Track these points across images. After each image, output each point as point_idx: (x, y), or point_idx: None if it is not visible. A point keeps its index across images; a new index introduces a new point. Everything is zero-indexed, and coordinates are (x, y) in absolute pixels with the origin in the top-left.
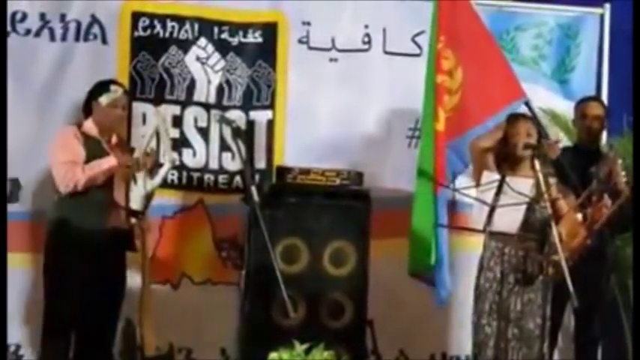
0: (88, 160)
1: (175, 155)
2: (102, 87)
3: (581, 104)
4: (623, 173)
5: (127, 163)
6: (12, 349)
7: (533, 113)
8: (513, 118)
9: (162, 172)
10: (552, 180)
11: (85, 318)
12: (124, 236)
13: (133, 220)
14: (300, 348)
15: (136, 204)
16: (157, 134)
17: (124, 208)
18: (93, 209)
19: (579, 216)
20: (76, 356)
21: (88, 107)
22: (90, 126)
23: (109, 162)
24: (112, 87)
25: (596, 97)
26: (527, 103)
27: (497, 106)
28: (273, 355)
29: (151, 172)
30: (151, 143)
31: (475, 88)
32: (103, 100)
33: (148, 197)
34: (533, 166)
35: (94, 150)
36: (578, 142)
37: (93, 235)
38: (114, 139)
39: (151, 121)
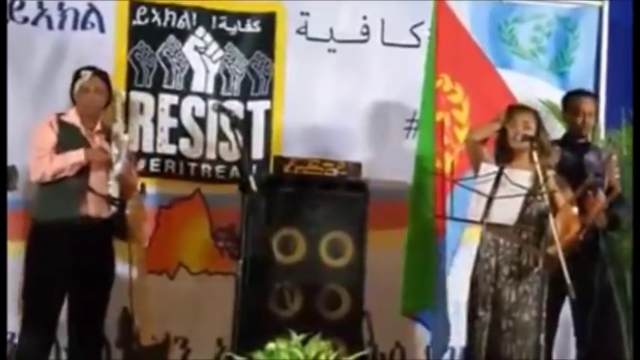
0: (62, 148)
1: (126, 137)
2: (76, 75)
3: (574, 98)
4: (617, 169)
5: (95, 158)
6: (7, 337)
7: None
8: (511, 110)
9: (122, 157)
10: (550, 172)
11: (69, 309)
12: (106, 224)
13: (113, 208)
14: (296, 339)
15: (111, 190)
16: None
17: (101, 196)
18: (66, 197)
19: (575, 210)
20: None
21: (72, 97)
22: (72, 114)
23: (77, 157)
24: (82, 72)
25: (588, 92)
26: None
27: None
28: (269, 345)
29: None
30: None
31: (481, 116)
32: (76, 87)
33: (128, 185)
34: (531, 158)
35: (69, 138)
36: (567, 134)
37: (66, 223)
38: (97, 127)
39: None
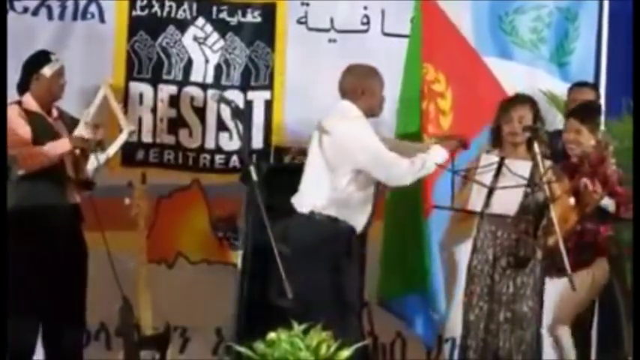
0: (35, 138)
1: (133, 127)
2: (41, 58)
3: (574, 89)
4: (613, 161)
5: (81, 146)
6: None
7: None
8: (506, 105)
9: (118, 141)
10: (547, 163)
11: (50, 298)
12: (78, 210)
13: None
14: (297, 328)
15: (89, 175)
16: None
17: (73, 181)
18: (50, 187)
19: (572, 200)
20: (46, 336)
21: (26, 82)
22: (30, 101)
23: (64, 147)
24: (52, 56)
25: (588, 82)
26: None
27: (486, 121)
28: (270, 335)
29: (100, 143)
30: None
31: (464, 104)
32: (47, 71)
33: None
34: (529, 149)
35: (39, 126)
36: None
37: (53, 213)
38: (55, 113)
39: (99, 93)
